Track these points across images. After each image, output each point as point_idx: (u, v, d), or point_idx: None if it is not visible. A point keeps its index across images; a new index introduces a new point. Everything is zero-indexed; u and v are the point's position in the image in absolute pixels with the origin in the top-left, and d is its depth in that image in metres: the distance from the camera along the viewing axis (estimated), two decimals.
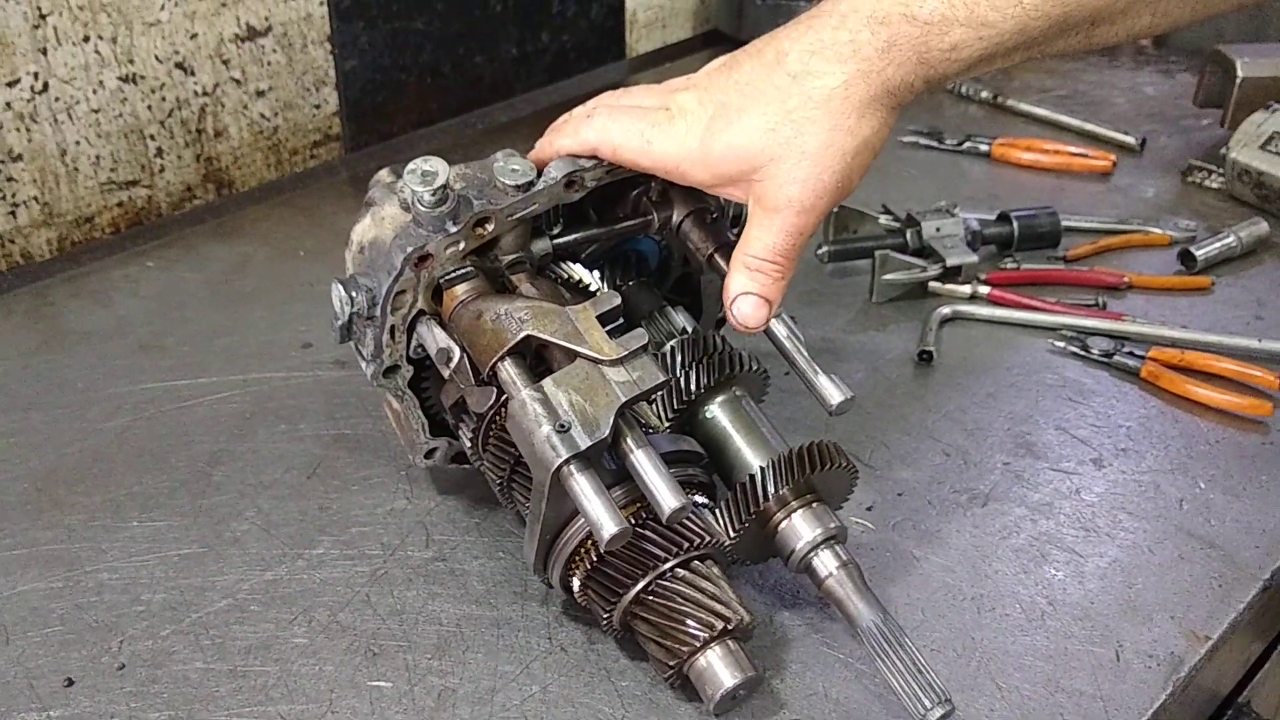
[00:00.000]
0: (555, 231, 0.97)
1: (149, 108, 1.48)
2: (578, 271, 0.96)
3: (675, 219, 0.99)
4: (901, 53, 0.83)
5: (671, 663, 0.84)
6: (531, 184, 0.90)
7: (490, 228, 0.90)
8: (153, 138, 1.50)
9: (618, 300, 0.88)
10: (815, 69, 0.84)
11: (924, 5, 0.82)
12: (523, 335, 0.85)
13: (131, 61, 1.44)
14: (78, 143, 1.43)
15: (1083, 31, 0.85)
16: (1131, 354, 1.23)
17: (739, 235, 0.90)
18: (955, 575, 0.99)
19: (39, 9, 1.34)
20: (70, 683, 0.89)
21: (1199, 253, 1.39)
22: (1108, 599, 0.97)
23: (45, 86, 1.38)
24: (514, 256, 0.93)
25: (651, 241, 1.04)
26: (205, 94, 1.52)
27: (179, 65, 1.48)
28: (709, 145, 0.87)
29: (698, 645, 0.83)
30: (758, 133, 0.85)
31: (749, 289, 0.88)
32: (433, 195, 0.86)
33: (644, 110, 0.91)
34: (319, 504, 1.05)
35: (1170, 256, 1.43)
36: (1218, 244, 1.40)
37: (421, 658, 0.91)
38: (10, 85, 1.35)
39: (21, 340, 1.29)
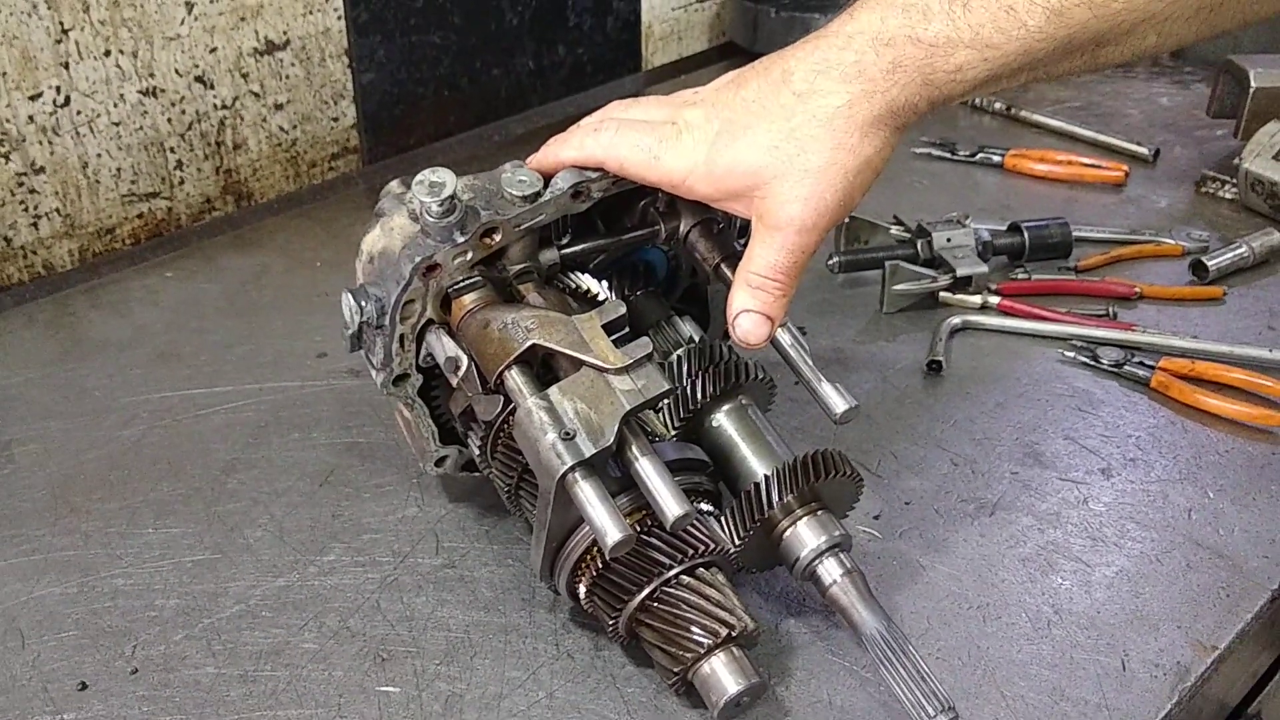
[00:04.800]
0: (563, 242, 0.98)
1: (169, 120, 1.50)
2: (585, 281, 0.97)
3: (682, 229, 1.00)
4: (906, 74, 0.84)
5: (676, 669, 0.85)
6: (538, 195, 0.92)
7: (497, 238, 0.91)
8: (173, 150, 1.52)
9: (623, 309, 0.89)
10: (820, 88, 0.85)
11: (929, 27, 0.83)
12: (529, 344, 0.86)
13: (152, 75, 1.46)
14: (99, 155, 1.45)
15: (1087, 53, 0.85)
16: (1142, 364, 1.23)
17: (745, 246, 0.91)
18: (961, 584, 0.99)
19: (61, 24, 1.36)
20: (84, 686, 0.90)
21: (1211, 263, 1.39)
22: (1114, 608, 0.97)
23: (67, 100, 1.40)
24: (521, 266, 0.94)
25: (660, 251, 1.05)
26: (224, 107, 1.54)
27: (199, 79, 1.50)
28: (714, 161, 0.88)
29: (702, 652, 0.84)
30: (761, 150, 0.86)
31: (750, 306, 0.89)
32: (440, 206, 0.87)
33: (651, 125, 0.92)
34: (331, 511, 1.06)
35: (1182, 267, 1.42)
36: (1230, 254, 1.40)
37: (430, 663, 0.92)
38: (33, 99, 1.38)
39: (42, 350, 1.31)
